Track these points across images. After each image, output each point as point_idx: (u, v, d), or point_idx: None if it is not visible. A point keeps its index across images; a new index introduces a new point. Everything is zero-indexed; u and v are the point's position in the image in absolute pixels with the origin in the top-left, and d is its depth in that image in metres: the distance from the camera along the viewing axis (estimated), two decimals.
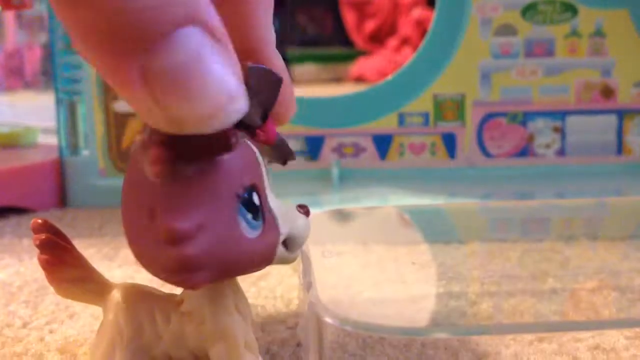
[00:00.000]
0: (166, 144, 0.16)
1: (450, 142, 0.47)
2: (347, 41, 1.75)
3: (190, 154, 0.16)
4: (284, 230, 0.19)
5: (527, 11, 0.46)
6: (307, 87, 1.36)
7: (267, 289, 0.29)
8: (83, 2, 0.14)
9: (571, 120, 0.47)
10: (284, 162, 0.22)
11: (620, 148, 0.47)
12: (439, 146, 0.47)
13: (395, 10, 1.66)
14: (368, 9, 1.69)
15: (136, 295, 0.20)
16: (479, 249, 0.32)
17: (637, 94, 0.46)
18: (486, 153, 0.47)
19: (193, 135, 0.15)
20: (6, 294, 0.29)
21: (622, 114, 0.46)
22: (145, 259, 0.18)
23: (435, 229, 0.31)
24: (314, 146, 0.47)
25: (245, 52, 0.20)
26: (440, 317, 0.25)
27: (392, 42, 1.63)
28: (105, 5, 0.14)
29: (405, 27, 1.60)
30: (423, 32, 1.23)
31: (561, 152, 0.47)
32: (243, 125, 0.19)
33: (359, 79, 1.54)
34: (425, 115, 0.46)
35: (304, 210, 0.21)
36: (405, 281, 0.27)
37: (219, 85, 0.15)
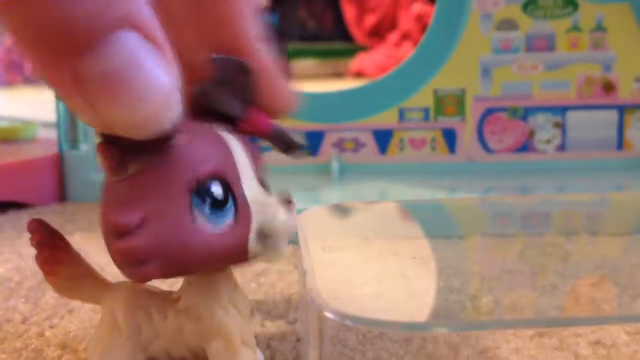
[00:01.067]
0: (110, 141, 0.16)
1: (450, 137, 0.47)
2: (347, 36, 1.74)
3: (135, 147, 0.16)
4: (257, 223, 0.18)
5: (528, 6, 0.45)
6: (308, 82, 1.36)
7: (267, 285, 0.29)
8: (18, 4, 0.13)
9: (572, 116, 0.46)
10: (288, 153, 0.21)
11: (620, 143, 0.47)
12: (439, 141, 0.47)
13: (395, 5, 1.65)
14: (368, 4, 1.69)
15: (133, 293, 0.20)
16: (479, 243, 0.32)
17: (638, 89, 0.46)
18: (487, 148, 0.47)
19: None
20: (6, 289, 0.29)
21: (623, 109, 0.46)
22: (111, 255, 0.18)
23: (435, 224, 0.31)
24: (314, 141, 0.47)
25: (230, 46, 0.19)
26: (440, 312, 0.25)
27: (393, 37, 1.63)
28: (40, 10, 0.13)
29: (406, 22, 1.60)
30: (423, 27, 1.23)
31: (562, 148, 0.47)
32: (222, 116, 0.19)
33: (359, 74, 1.54)
34: (426, 110, 0.46)
35: (289, 205, 0.19)
36: (405, 276, 0.27)
37: (153, 91, 0.15)
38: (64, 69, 0.14)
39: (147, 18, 0.15)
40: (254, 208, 0.18)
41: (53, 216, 0.42)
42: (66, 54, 0.14)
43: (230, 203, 0.18)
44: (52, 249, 0.20)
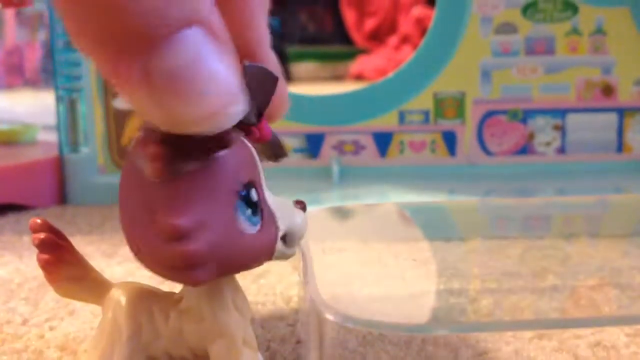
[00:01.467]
0: (164, 142, 0.16)
1: (450, 140, 0.47)
2: (347, 39, 1.75)
3: (189, 151, 0.17)
4: (283, 226, 0.19)
5: (528, 9, 0.46)
6: (308, 85, 1.36)
7: (267, 287, 0.29)
8: (86, 2, 0.14)
9: (571, 118, 0.46)
10: (276, 159, 0.22)
11: (620, 146, 0.47)
12: (439, 144, 0.47)
13: (395, 9, 1.66)
14: (368, 7, 1.69)
15: (135, 293, 0.20)
16: (479, 246, 0.32)
17: (638, 92, 0.46)
18: (486, 151, 0.47)
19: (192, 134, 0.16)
20: (6, 291, 0.29)
21: (623, 112, 0.46)
22: (147, 258, 0.18)
23: (435, 226, 0.31)
24: (314, 144, 0.47)
25: (240, 51, 0.20)
26: (440, 314, 0.25)
27: (392, 40, 1.63)
28: (109, 6, 0.14)
29: (406, 25, 1.60)
30: (423, 31, 1.23)
31: (561, 150, 0.47)
32: (240, 123, 0.19)
33: (359, 77, 1.54)
34: (426, 113, 0.46)
35: (301, 205, 0.21)
36: (405, 278, 0.27)
37: (220, 87, 0.15)
38: (132, 66, 0.14)
39: (213, 15, 0.15)
40: (276, 211, 0.19)
41: (53, 219, 0.42)
42: (134, 50, 0.14)
43: (258, 207, 0.19)
44: (54, 249, 0.20)
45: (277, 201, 0.19)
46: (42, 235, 0.20)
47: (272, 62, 0.21)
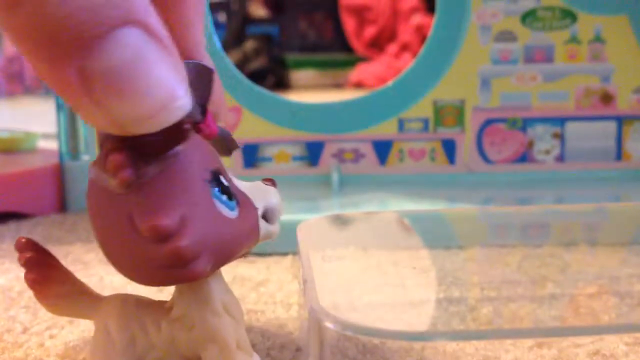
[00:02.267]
0: (122, 149, 0.16)
1: (450, 148, 0.47)
2: (347, 47, 1.75)
3: (148, 152, 0.17)
4: (260, 204, 0.20)
5: (527, 17, 0.46)
6: (307, 93, 1.36)
7: (266, 295, 0.29)
8: (18, 6, 0.14)
9: (571, 126, 0.47)
10: (229, 153, 0.22)
11: (619, 154, 0.47)
12: (438, 152, 0.47)
13: (395, 17, 1.66)
14: (368, 15, 1.69)
15: (126, 305, 0.20)
16: (478, 254, 0.32)
17: (637, 100, 0.46)
18: (486, 159, 0.47)
19: (146, 133, 0.16)
20: (6, 299, 0.29)
21: (622, 120, 0.46)
22: (134, 269, 0.18)
23: (435, 234, 0.31)
24: (314, 152, 0.47)
25: (184, 50, 0.20)
26: (440, 322, 0.25)
27: (392, 48, 1.63)
28: (41, 9, 0.13)
29: (405, 33, 1.61)
30: (423, 38, 1.23)
31: (561, 158, 0.47)
32: (186, 121, 0.19)
33: (359, 85, 1.54)
34: (425, 121, 0.47)
35: (271, 183, 0.21)
36: (405, 286, 0.27)
37: (160, 84, 0.15)
38: (69, 69, 0.14)
39: (150, 14, 0.15)
40: (250, 194, 0.19)
41: (53, 227, 0.42)
42: (70, 52, 0.14)
43: (231, 192, 0.19)
44: (41, 268, 0.20)
45: (246, 184, 0.20)
46: (28, 255, 0.20)
47: (208, 63, 0.21)
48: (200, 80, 0.19)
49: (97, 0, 0.14)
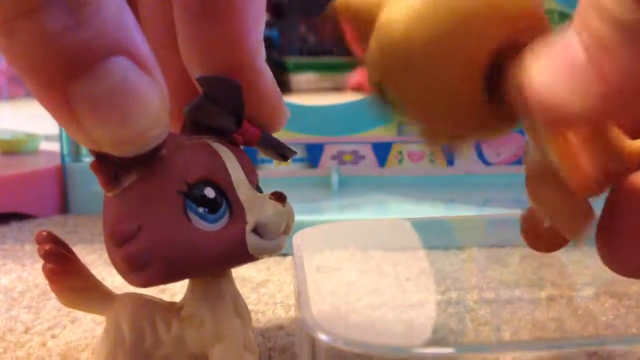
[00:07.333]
0: (103, 158, 0.18)
1: (449, 150, 0.47)
2: (347, 51, 1.75)
3: (125, 163, 0.18)
4: (251, 219, 0.19)
5: None
6: (307, 96, 1.36)
7: (267, 296, 0.29)
8: (15, 32, 0.14)
9: None
10: (284, 159, 0.23)
11: None
12: (437, 154, 0.47)
13: None
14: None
15: (138, 303, 0.20)
16: (477, 256, 0.32)
17: None
18: (484, 161, 0.47)
19: None
20: (8, 299, 0.30)
21: None
22: (118, 270, 0.19)
23: (433, 236, 0.31)
24: (314, 154, 0.47)
25: (234, 64, 0.20)
26: (438, 324, 0.25)
27: None
28: (36, 41, 0.14)
29: None
30: None
31: None
32: (217, 131, 0.20)
33: (359, 88, 1.54)
34: None
35: (276, 197, 0.20)
36: (403, 287, 0.27)
37: (141, 114, 0.16)
38: (57, 93, 0.15)
39: (138, 44, 0.16)
40: (246, 206, 0.19)
41: (55, 228, 0.42)
42: (59, 79, 0.15)
43: (224, 204, 0.19)
44: (59, 260, 0.20)
45: (251, 196, 0.20)
46: (47, 246, 0.20)
47: (266, 75, 0.21)
48: (230, 94, 0.20)
49: (88, 32, 0.15)
